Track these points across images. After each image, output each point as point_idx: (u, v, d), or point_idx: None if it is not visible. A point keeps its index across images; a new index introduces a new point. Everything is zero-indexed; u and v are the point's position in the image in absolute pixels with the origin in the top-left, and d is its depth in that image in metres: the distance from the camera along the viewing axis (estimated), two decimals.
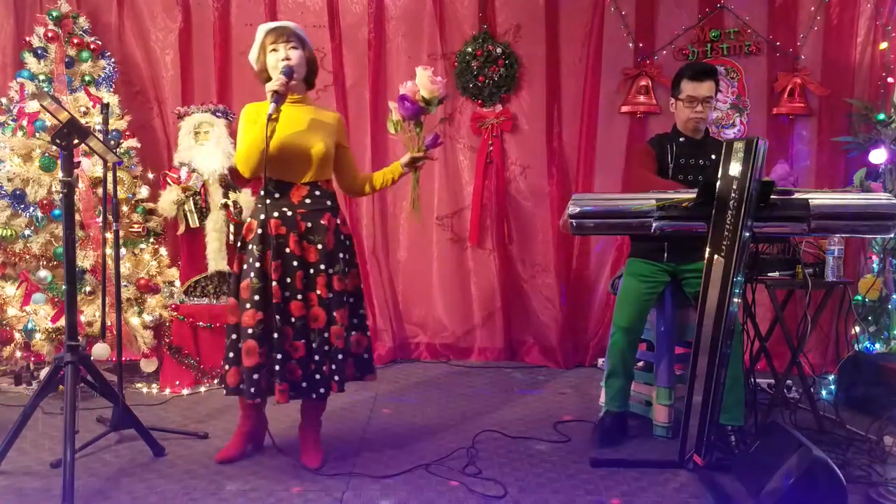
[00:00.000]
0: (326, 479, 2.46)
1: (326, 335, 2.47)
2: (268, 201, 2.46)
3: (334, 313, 2.47)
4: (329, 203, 2.53)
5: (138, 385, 3.61)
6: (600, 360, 4.05)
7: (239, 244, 2.53)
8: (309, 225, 2.47)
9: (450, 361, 4.24)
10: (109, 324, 3.24)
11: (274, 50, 2.45)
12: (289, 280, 2.44)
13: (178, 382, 3.55)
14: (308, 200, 2.48)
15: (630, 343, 2.87)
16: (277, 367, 2.40)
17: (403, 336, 4.32)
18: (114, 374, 3.13)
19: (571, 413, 3.26)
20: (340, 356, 2.49)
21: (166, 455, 2.68)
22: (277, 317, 2.40)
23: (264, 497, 2.33)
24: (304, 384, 2.46)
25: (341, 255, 2.52)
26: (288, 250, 2.44)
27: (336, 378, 2.48)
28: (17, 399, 3.35)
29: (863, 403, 3.28)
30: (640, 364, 3.11)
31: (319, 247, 2.47)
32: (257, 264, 2.43)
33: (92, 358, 2.78)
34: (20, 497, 2.32)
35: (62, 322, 3.17)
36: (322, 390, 2.48)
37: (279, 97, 2.34)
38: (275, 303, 2.41)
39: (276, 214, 2.46)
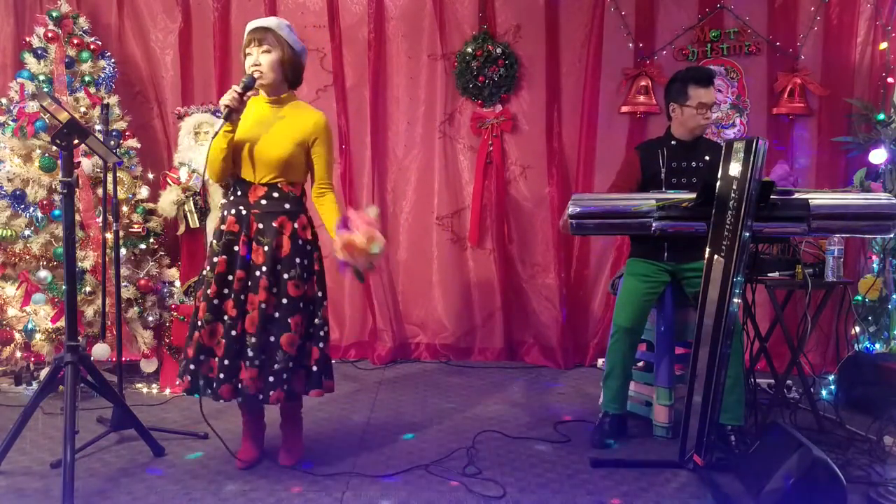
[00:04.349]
0: (326, 479, 2.46)
1: (255, 341, 2.37)
2: (231, 198, 2.48)
3: (289, 320, 2.40)
4: (288, 206, 2.45)
5: (138, 385, 3.60)
6: (600, 361, 4.05)
7: (211, 240, 2.56)
8: (260, 226, 2.43)
9: (450, 361, 4.24)
10: (109, 324, 3.25)
11: (249, 53, 2.43)
12: (229, 278, 2.43)
13: (178, 382, 3.55)
14: (264, 201, 2.44)
15: (630, 343, 2.87)
16: (202, 358, 2.42)
17: (403, 336, 4.32)
18: (114, 374, 3.14)
19: (571, 413, 3.26)
20: (291, 364, 2.41)
21: (166, 455, 2.68)
22: (208, 312, 2.41)
23: (264, 497, 2.33)
24: (214, 384, 2.41)
25: (298, 261, 2.44)
26: (236, 248, 2.43)
27: (284, 387, 2.41)
28: (17, 399, 3.35)
29: (863, 403, 3.28)
30: (640, 364, 3.11)
31: (266, 249, 2.42)
32: (214, 259, 2.46)
33: (92, 358, 2.79)
34: (20, 497, 2.32)
35: (62, 322, 3.17)
36: (239, 399, 2.44)
37: (230, 111, 2.33)
38: (209, 294, 2.42)
39: (233, 212, 2.46)
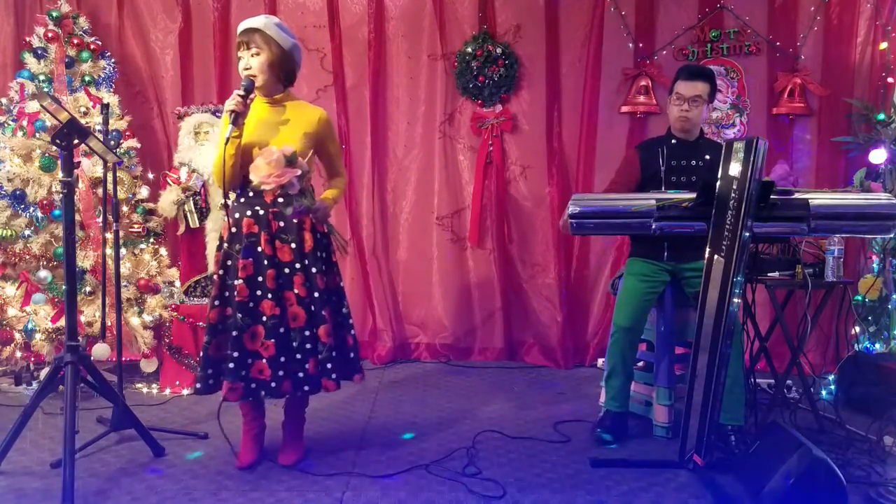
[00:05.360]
0: (326, 480, 2.46)
1: (308, 333, 2.46)
2: (242, 200, 2.49)
3: (323, 312, 2.47)
4: (304, 202, 2.49)
5: (138, 385, 3.60)
6: (600, 360, 4.04)
7: (218, 244, 2.56)
8: (281, 224, 2.46)
9: (450, 361, 4.24)
10: (109, 324, 3.24)
11: (240, 57, 2.44)
12: (259, 279, 2.43)
13: (178, 382, 3.55)
14: (281, 199, 2.45)
15: (630, 343, 2.87)
16: (232, 365, 2.40)
17: (403, 336, 4.32)
18: (114, 374, 3.13)
19: (571, 413, 3.26)
20: (334, 353, 2.50)
21: (166, 455, 2.68)
22: (240, 315, 2.41)
23: (264, 497, 2.33)
24: (273, 384, 2.43)
25: (319, 254, 2.51)
26: (259, 249, 2.44)
27: (333, 376, 2.49)
28: (17, 399, 3.35)
29: (863, 403, 3.28)
30: (640, 364, 3.11)
31: (293, 245, 2.46)
32: (229, 262, 2.46)
33: (92, 358, 2.79)
34: (20, 497, 2.32)
35: (62, 322, 3.17)
36: (307, 388, 2.47)
37: (237, 115, 2.34)
38: (237, 300, 2.41)
39: (248, 213, 2.46)
